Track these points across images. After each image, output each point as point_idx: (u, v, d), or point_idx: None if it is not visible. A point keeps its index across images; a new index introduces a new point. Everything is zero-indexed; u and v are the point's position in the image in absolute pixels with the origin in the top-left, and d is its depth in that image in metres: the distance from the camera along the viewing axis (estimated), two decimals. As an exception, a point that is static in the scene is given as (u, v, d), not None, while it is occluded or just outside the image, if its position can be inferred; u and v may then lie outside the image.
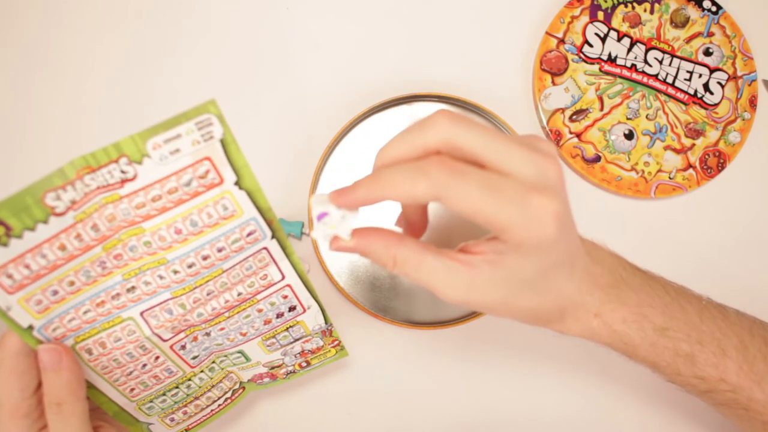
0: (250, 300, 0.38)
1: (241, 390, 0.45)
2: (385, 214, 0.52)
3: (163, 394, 0.40)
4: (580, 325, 0.37)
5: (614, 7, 0.56)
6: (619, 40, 0.56)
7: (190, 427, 0.44)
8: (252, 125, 0.55)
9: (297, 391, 0.53)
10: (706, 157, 0.55)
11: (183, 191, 0.32)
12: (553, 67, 0.55)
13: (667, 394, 0.53)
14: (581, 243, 0.36)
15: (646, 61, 0.56)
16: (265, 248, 0.36)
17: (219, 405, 0.44)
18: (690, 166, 0.55)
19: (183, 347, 0.38)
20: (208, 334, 0.39)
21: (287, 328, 0.41)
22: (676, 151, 0.55)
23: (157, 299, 0.35)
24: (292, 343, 0.42)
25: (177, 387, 0.41)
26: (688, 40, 0.56)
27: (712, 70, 0.56)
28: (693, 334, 0.39)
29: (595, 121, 0.55)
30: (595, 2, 0.56)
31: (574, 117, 0.55)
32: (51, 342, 0.33)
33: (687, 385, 0.40)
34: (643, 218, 0.56)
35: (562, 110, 0.55)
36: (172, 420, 0.42)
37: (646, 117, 0.55)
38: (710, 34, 0.56)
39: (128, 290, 0.34)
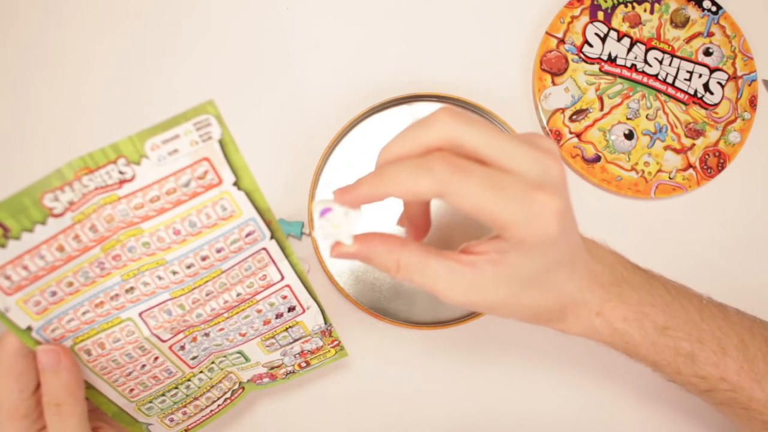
0: (249, 300, 0.38)
1: (240, 390, 0.45)
2: (386, 215, 0.52)
3: (163, 395, 0.40)
4: (581, 324, 0.37)
5: (614, 7, 0.56)
6: (619, 40, 0.56)
7: (189, 427, 0.44)
8: (252, 125, 0.55)
9: (297, 391, 0.53)
10: (706, 157, 0.55)
11: (181, 192, 0.32)
12: (553, 67, 0.55)
13: (668, 394, 0.53)
14: (582, 241, 0.36)
15: (646, 61, 0.56)
16: (264, 249, 0.36)
17: (218, 405, 0.44)
18: (690, 166, 0.55)
19: (182, 348, 0.38)
20: (207, 335, 0.39)
21: (286, 329, 0.41)
22: (676, 151, 0.55)
23: (155, 300, 0.35)
24: (291, 343, 0.42)
25: (176, 387, 0.41)
26: (688, 40, 0.56)
27: (712, 70, 0.56)
28: (693, 332, 0.38)
29: (595, 121, 0.55)
30: (595, 2, 0.56)
31: (574, 117, 0.55)
32: (50, 343, 0.33)
33: (687, 384, 0.40)
34: (643, 218, 0.56)
35: (562, 110, 0.55)
36: (172, 420, 0.42)
37: (646, 117, 0.55)
38: (710, 34, 0.56)
39: (127, 291, 0.34)
